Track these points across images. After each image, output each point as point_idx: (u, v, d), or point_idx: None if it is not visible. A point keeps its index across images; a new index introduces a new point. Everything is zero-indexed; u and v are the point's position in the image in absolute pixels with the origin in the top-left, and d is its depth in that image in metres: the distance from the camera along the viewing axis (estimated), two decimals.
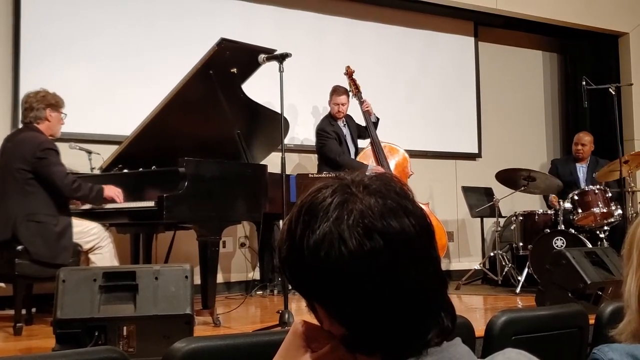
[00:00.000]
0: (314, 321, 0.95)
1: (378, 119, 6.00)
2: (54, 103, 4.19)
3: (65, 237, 4.03)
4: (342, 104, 5.83)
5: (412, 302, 0.88)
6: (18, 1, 5.26)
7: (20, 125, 4.35)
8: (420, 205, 0.94)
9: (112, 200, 4.21)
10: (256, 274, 5.94)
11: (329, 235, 0.86)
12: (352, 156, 5.89)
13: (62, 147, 4.85)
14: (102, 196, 4.17)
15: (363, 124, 6.00)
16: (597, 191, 5.62)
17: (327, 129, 5.80)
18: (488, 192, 6.60)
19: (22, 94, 5.01)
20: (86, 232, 4.16)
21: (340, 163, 5.62)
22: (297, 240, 0.89)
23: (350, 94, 5.93)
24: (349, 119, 6.01)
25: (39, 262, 3.89)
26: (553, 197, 6.23)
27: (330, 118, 5.89)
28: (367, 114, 5.90)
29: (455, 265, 7.17)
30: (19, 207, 3.95)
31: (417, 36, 7.20)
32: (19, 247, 3.86)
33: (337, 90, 5.87)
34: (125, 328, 2.92)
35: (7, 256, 3.88)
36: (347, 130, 5.95)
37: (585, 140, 6.58)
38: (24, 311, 3.97)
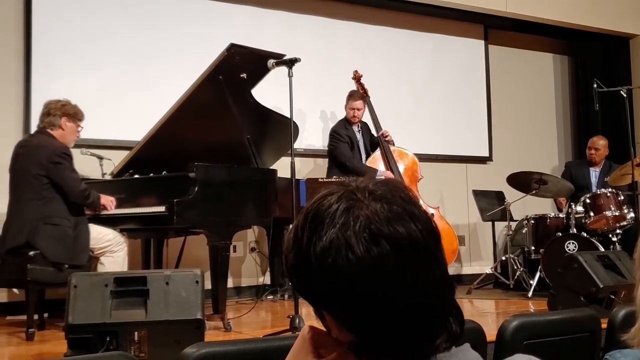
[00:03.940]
0: (322, 327, 0.95)
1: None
2: (72, 114, 4.24)
3: (81, 239, 4.08)
4: (358, 109, 5.86)
5: (420, 307, 0.87)
6: (29, 8, 5.30)
7: (34, 130, 4.39)
8: (427, 209, 0.94)
9: (105, 208, 4.29)
10: (266, 279, 5.95)
11: (335, 242, 0.86)
12: (364, 162, 5.90)
13: (74, 152, 4.88)
14: (99, 203, 4.25)
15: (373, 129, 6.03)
16: (609, 194, 5.58)
17: (341, 132, 5.83)
18: (499, 196, 6.57)
19: (33, 100, 5.09)
20: (100, 238, 4.20)
21: (350, 167, 5.63)
22: (304, 247, 0.89)
23: None
24: (364, 126, 6.03)
25: (57, 264, 3.92)
26: (561, 198, 6.21)
27: (346, 122, 5.93)
28: (386, 142, 5.92)
29: (467, 269, 7.15)
30: (35, 212, 3.98)
31: (426, 39, 7.19)
32: (32, 253, 3.89)
33: (353, 95, 5.90)
34: (136, 333, 2.93)
35: (19, 262, 3.91)
36: (360, 135, 5.97)
37: (599, 145, 6.54)
38: (36, 316, 4.00)
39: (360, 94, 5.93)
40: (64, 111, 4.20)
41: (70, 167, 4.12)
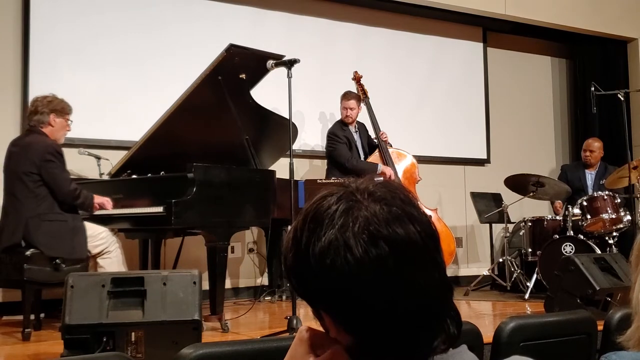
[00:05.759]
0: (320, 328, 0.95)
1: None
2: (60, 109, 4.20)
3: (79, 233, 4.08)
4: (351, 108, 5.84)
5: (418, 309, 0.87)
6: (27, 7, 5.29)
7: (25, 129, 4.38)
8: (426, 211, 0.94)
9: (102, 208, 4.26)
10: (264, 280, 5.95)
11: (334, 243, 0.86)
12: None
13: (71, 152, 4.88)
14: (93, 204, 4.23)
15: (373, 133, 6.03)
16: (606, 197, 5.59)
17: (338, 133, 5.82)
18: (497, 198, 6.58)
19: (31, 99, 5.06)
20: (95, 236, 4.19)
21: (349, 167, 5.63)
22: (303, 248, 0.89)
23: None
24: (361, 127, 6.02)
25: (55, 261, 3.91)
26: (558, 203, 6.22)
27: (342, 123, 5.92)
28: (384, 143, 5.93)
29: (464, 271, 7.15)
30: (31, 210, 3.98)
31: (426, 42, 7.20)
32: (29, 252, 3.88)
33: (346, 95, 5.90)
34: (133, 334, 2.93)
35: (16, 261, 3.90)
36: (358, 136, 5.96)
37: (594, 147, 6.55)
38: (32, 317, 3.99)
39: (353, 94, 5.92)
40: (52, 107, 4.17)
41: (62, 166, 4.11)
